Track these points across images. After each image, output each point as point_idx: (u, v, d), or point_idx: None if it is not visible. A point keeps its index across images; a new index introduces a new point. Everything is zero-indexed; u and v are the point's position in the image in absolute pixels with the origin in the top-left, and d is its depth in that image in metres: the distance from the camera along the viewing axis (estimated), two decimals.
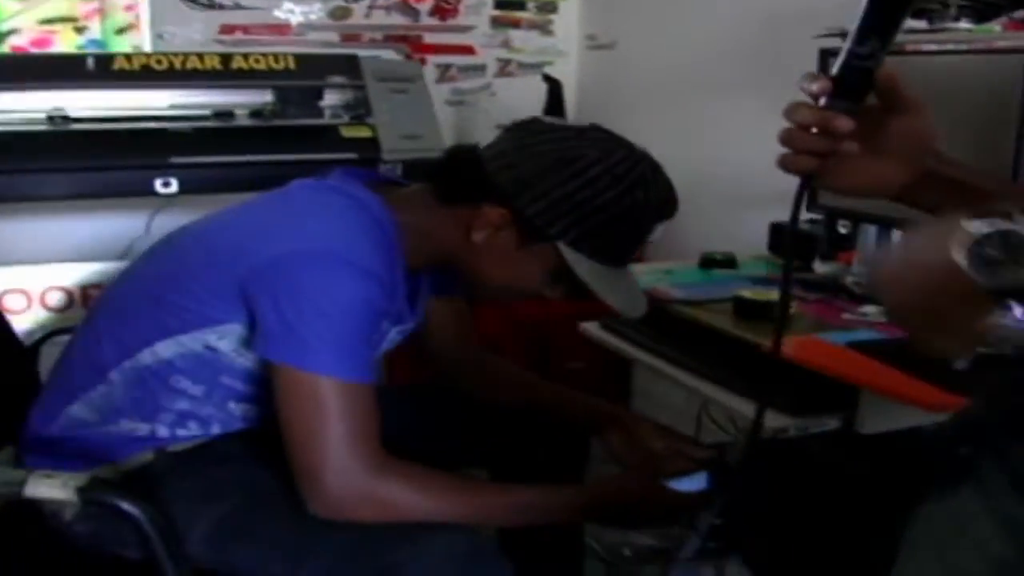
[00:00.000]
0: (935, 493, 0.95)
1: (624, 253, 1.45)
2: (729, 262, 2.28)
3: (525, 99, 3.65)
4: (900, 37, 2.00)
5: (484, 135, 1.61)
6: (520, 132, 1.44)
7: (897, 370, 1.46)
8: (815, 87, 0.98)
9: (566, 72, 3.92)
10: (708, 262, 2.29)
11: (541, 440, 1.73)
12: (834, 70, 0.98)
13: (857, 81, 0.97)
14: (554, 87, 3.63)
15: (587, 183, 1.36)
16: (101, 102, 2.73)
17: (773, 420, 1.52)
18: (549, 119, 1.47)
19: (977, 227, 0.83)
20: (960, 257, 0.82)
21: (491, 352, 1.86)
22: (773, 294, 1.84)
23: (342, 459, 1.30)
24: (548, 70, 3.85)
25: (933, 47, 2.01)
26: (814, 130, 0.98)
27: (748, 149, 2.96)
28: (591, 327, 2.07)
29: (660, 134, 3.37)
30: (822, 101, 0.98)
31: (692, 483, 1.47)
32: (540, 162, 1.38)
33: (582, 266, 1.39)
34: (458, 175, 1.45)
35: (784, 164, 1.01)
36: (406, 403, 1.79)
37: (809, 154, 0.99)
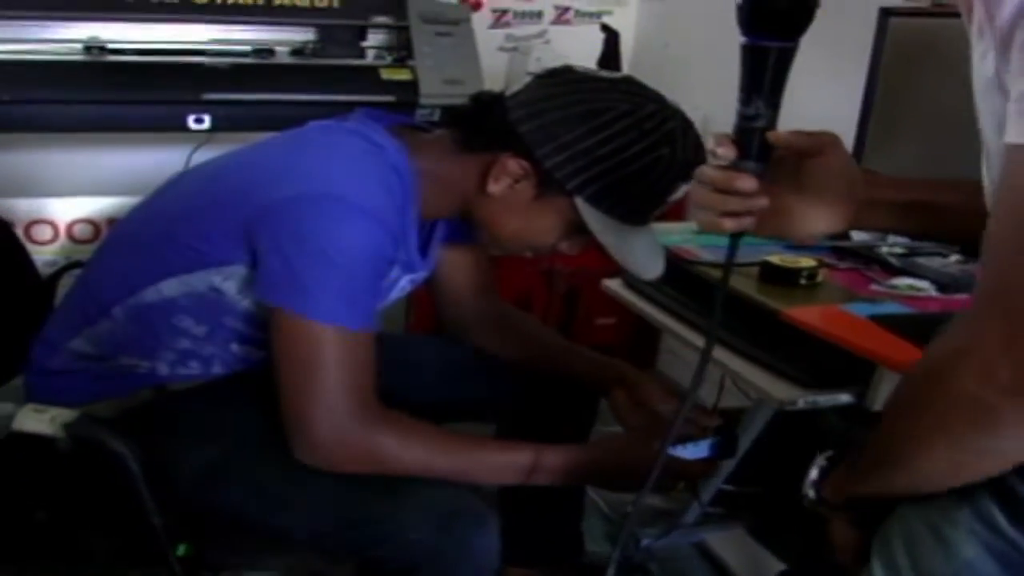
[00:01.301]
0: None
1: (643, 212, 1.40)
2: None
3: (580, 49, 3.55)
4: None
5: None
6: (549, 80, 1.39)
7: (916, 346, 1.39)
8: (720, 151, 1.02)
9: (624, 23, 3.81)
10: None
11: (550, 397, 1.71)
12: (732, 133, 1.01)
13: (752, 142, 1.00)
14: (611, 38, 3.53)
15: (612, 136, 1.31)
16: (139, 35, 2.69)
17: (783, 391, 1.46)
18: (582, 68, 1.41)
19: None
20: None
21: (510, 305, 1.81)
22: (803, 260, 1.78)
23: (333, 408, 1.28)
24: (606, 20, 3.74)
25: None
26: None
27: (798, 107, 2.88)
28: (614, 284, 2.01)
29: (714, 91, 3.29)
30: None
31: (694, 450, 1.42)
32: (566, 112, 1.33)
33: (598, 223, 1.36)
34: (481, 122, 1.41)
35: (703, 225, 1.05)
36: (419, 352, 1.78)
37: (726, 214, 1.02)
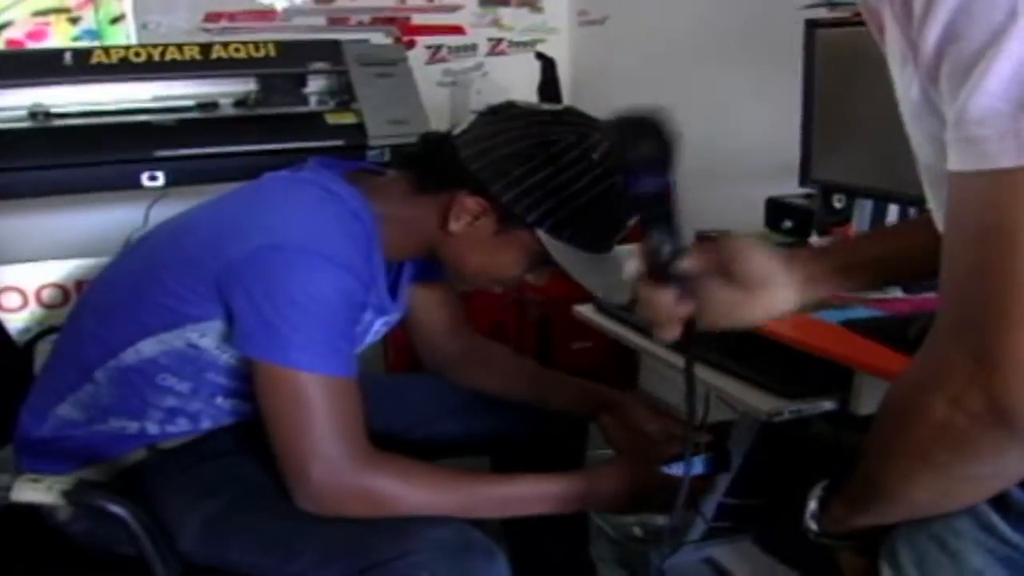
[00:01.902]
0: None
1: (604, 238, 1.42)
2: None
3: (518, 78, 3.62)
4: None
5: None
6: (494, 118, 1.41)
7: (891, 349, 1.43)
8: (633, 272, 1.12)
9: (558, 49, 3.87)
10: (703, 240, 2.24)
11: (540, 426, 1.73)
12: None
13: (667, 268, 1.07)
14: (547, 65, 3.58)
15: (562, 168, 1.34)
16: (82, 97, 2.69)
17: (766, 403, 1.49)
18: (524, 103, 1.44)
19: None
20: None
21: (483, 337, 1.83)
22: None
23: (328, 454, 1.29)
24: (540, 47, 3.81)
25: None
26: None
27: (742, 123, 2.96)
28: (585, 310, 2.04)
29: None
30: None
31: (688, 468, 1.44)
32: (514, 148, 1.35)
33: (561, 253, 1.37)
34: (432, 163, 1.42)
35: (655, 336, 1.14)
36: (405, 392, 1.79)
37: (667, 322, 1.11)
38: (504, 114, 1.41)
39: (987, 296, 0.74)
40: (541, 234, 1.36)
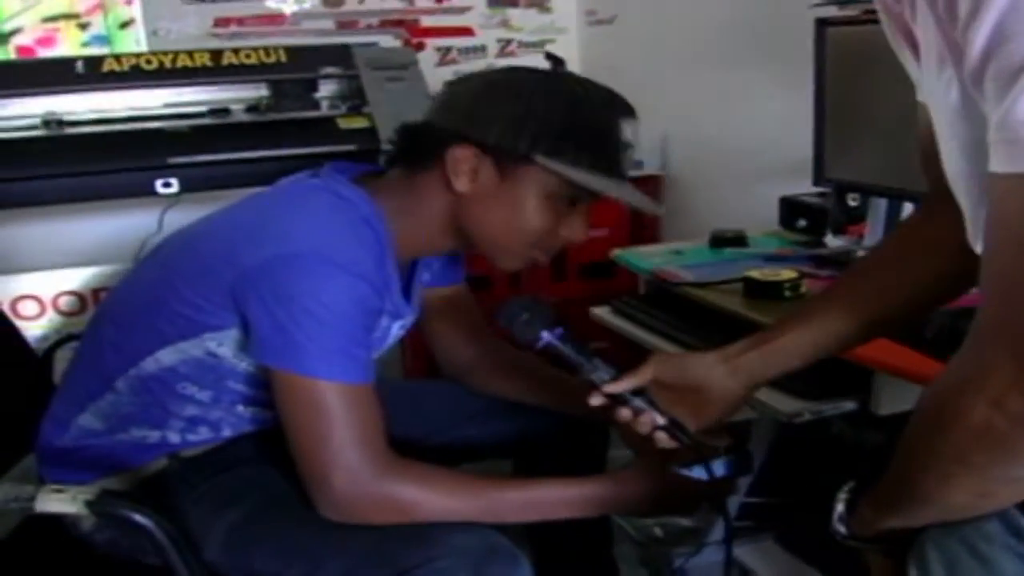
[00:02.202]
0: None
1: (605, 153, 1.38)
2: (739, 240, 2.24)
3: None
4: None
5: None
6: (452, 81, 1.47)
7: (909, 348, 1.43)
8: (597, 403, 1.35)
9: (568, 49, 3.89)
10: (718, 240, 2.25)
11: (562, 429, 1.71)
12: None
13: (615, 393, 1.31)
14: (556, 65, 3.57)
15: (528, 95, 1.34)
16: (94, 105, 2.70)
17: (786, 404, 1.49)
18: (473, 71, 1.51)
19: None
20: None
21: (501, 341, 1.82)
22: (784, 273, 1.82)
23: (349, 462, 1.29)
24: (549, 48, 3.81)
25: None
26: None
27: (754, 122, 2.96)
28: (602, 312, 2.05)
29: (667, 109, 3.36)
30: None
31: (711, 470, 1.44)
32: (480, 91, 1.38)
33: (576, 174, 1.35)
34: (415, 143, 1.43)
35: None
36: (423, 397, 1.79)
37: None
38: (458, 79, 1.46)
39: None
40: (545, 162, 1.34)
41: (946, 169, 0.91)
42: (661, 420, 1.29)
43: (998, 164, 0.75)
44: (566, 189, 1.36)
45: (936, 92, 0.85)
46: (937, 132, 0.89)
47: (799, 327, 1.25)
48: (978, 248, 0.84)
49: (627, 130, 1.38)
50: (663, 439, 1.31)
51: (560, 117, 1.34)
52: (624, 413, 1.31)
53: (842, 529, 1.06)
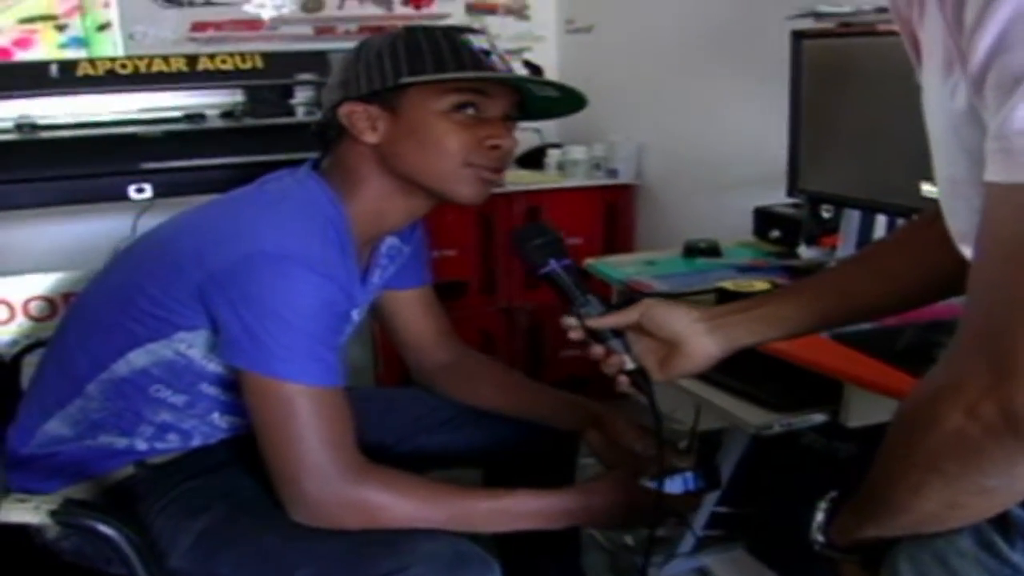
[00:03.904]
0: None
1: (458, 52, 1.40)
2: (713, 250, 2.25)
3: None
4: (871, 17, 2.00)
5: None
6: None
7: (881, 361, 1.44)
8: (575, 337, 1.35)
9: (546, 57, 3.89)
10: (692, 251, 2.26)
11: (531, 438, 1.71)
12: None
13: (591, 328, 1.32)
14: (534, 72, 3.59)
15: (376, 45, 1.41)
16: (69, 109, 2.69)
17: (757, 416, 1.50)
18: None
19: None
20: None
21: (471, 348, 1.83)
22: (756, 284, 1.82)
23: (320, 465, 1.29)
24: (527, 55, 3.82)
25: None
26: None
27: (729, 132, 2.97)
28: (573, 321, 2.03)
29: (643, 119, 3.37)
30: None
31: (676, 484, 1.44)
32: (342, 67, 1.45)
33: (445, 76, 1.38)
34: (320, 127, 1.48)
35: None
36: (394, 404, 1.79)
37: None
38: None
39: (1013, 306, 0.73)
40: (416, 79, 1.37)
41: (942, 175, 0.90)
42: (630, 365, 1.29)
43: (992, 173, 0.75)
44: (452, 97, 1.39)
45: (940, 96, 0.84)
46: (932, 137, 0.89)
47: (788, 299, 1.26)
48: (969, 255, 0.84)
49: (476, 39, 1.42)
50: (624, 383, 1.30)
51: (405, 44, 1.39)
52: (597, 350, 1.31)
53: (820, 538, 1.06)
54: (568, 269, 1.32)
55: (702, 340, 1.27)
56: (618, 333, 1.30)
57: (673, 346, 1.28)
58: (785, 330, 1.26)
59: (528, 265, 1.35)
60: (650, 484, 1.36)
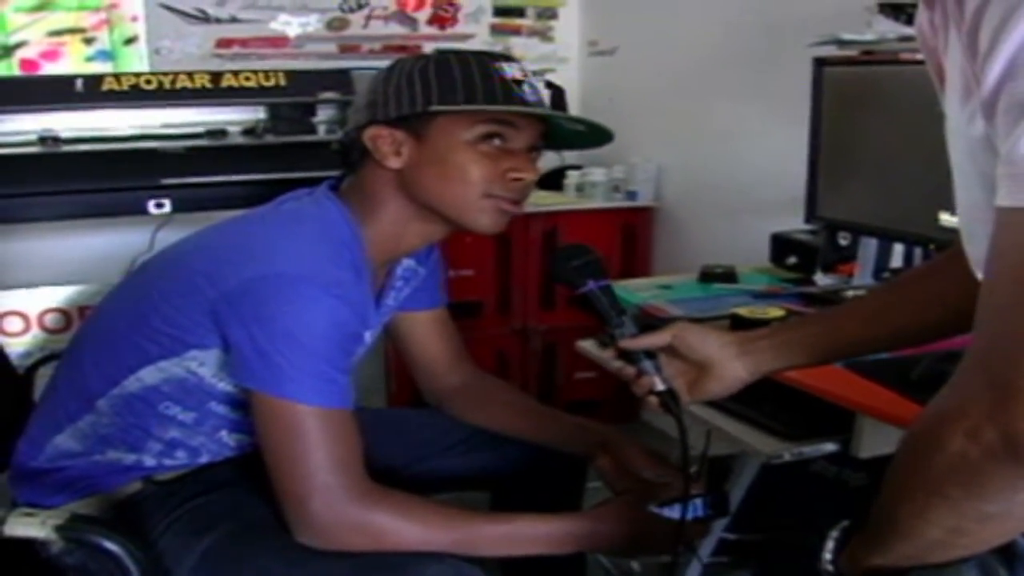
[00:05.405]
0: None
1: (490, 82, 1.40)
2: (729, 276, 2.24)
3: None
4: (894, 45, 2.00)
5: None
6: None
7: (895, 391, 1.42)
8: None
9: (569, 78, 3.89)
10: (708, 276, 2.25)
11: (540, 463, 1.71)
12: None
13: (624, 349, 1.33)
14: (557, 93, 3.60)
15: (408, 68, 1.41)
16: (92, 123, 2.71)
17: (767, 444, 1.49)
18: None
19: None
20: None
21: (483, 371, 1.82)
22: (771, 311, 1.82)
23: (327, 487, 1.28)
24: (551, 76, 3.82)
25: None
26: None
27: (749, 157, 2.96)
28: (588, 345, 2.04)
29: (663, 142, 3.37)
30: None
31: (686, 512, 1.43)
32: (371, 88, 1.45)
33: (474, 107, 1.38)
34: (344, 147, 1.48)
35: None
36: (406, 425, 1.78)
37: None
38: None
39: (1018, 330, 0.73)
40: (446, 108, 1.37)
41: (961, 200, 0.90)
42: (660, 386, 1.31)
43: (1001, 198, 0.75)
44: (479, 128, 1.39)
45: (959, 122, 0.85)
46: (953, 162, 0.89)
47: (818, 325, 1.29)
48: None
49: (509, 67, 1.42)
50: (653, 404, 1.32)
51: (436, 69, 1.39)
52: (629, 370, 1.33)
53: (830, 568, 1.05)
54: (605, 290, 1.34)
55: (732, 364, 1.30)
56: (650, 355, 1.32)
57: (703, 369, 1.31)
58: (813, 357, 1.28)
59: (566, 285, 1.36)
60: (658, 510, 1.36)
